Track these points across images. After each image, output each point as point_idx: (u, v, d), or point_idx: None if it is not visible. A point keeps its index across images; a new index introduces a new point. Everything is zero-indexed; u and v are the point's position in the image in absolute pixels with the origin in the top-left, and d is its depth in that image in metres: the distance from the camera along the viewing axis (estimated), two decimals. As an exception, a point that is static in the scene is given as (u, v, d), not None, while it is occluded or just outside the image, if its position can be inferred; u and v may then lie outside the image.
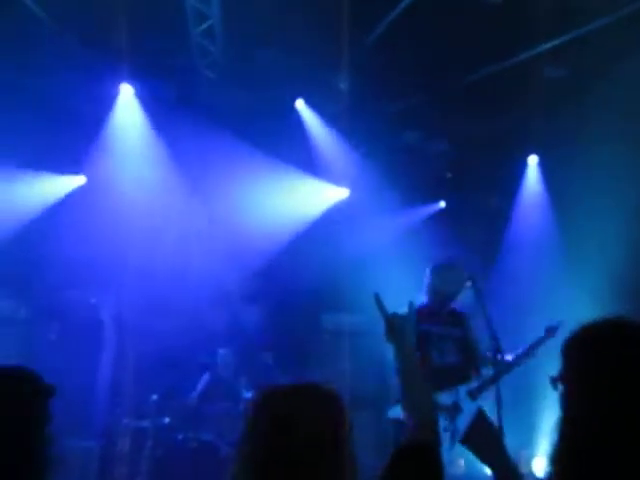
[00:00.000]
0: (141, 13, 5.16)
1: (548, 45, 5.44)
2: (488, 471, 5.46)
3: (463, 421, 4.14)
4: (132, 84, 6.21)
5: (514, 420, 4.15)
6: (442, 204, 7.26)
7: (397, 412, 4.32)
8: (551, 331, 4.27)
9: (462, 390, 4.19)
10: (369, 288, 6.95)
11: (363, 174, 6.88)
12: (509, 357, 4.19)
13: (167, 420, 5.55)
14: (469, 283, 4.22)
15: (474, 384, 4.20)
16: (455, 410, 4.15)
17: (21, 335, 6.39)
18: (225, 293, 7.01)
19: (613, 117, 5.66)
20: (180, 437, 5.38)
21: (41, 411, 1.61)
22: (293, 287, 6.83)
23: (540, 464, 5.91)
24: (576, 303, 5.21)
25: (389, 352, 2.03)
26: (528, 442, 5.82)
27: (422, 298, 4.44)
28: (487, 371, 4.20)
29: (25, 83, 5.69)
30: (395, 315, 1.95)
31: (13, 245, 6.08)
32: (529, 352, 4.26)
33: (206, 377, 5.91)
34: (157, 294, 6.59)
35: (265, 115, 6.31)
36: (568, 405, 1.28)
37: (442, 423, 4.15)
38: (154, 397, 5.61)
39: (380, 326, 2.02)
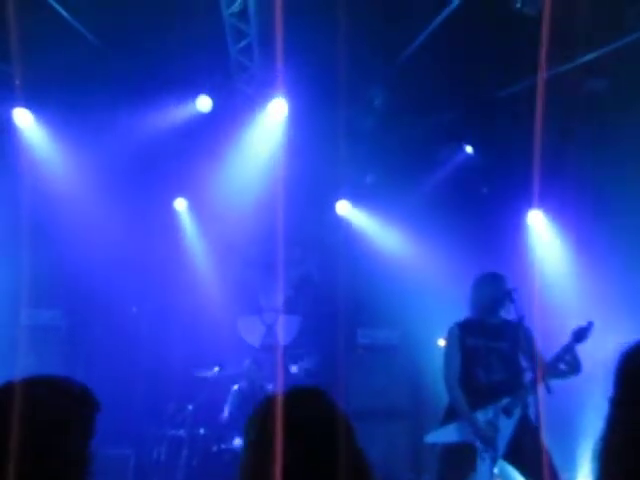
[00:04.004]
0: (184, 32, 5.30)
1: (586, 57, 5.37)
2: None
3: (502, 439, 4.07)
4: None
5: (554, 443, 4.04)
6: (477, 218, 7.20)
7: (437, 437, 4.28)
8: (579, 335, 4.08)
9: (496, 408, 4.12)
10: (404, 303, 6.93)
11: (396, 189, 6.88)
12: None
13: (202, 431, 5.59)
14: (507, 298, 4.15)
15: (506, 400, 4.12)
16: (492, 430, 4.08)
17: (62, 343, 6.54)
18: (259, 304, 7.05)
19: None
20: (215, 448, 5.41)
21: (87, 425, 1.63)
22: (329, 300, 6.84)
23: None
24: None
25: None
26: (569, 465, 5.68)
27: (468, 312, 4.39)
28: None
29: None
30: None
31: (55, 256, 6.24)
32: (557, 361, 4.09)
33: (236, 389, 5.93)
34: (193, 304, 6.68)
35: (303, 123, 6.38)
36: (620, 427, 1.24)
37: (480, 446, 4.09)
38: (190, 407, 5.67)
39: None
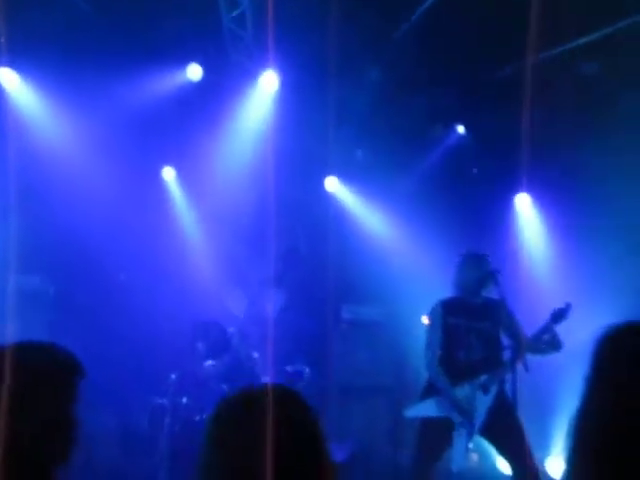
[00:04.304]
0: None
1: (581, 41, 5.37)
2: (501, 466, 5.51)
3: (478, 415, 4.16)
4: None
5: (530, 420, 4.14)
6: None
7: (416, 411, 4.38)
8: (558, 315, 4.18)
9: (474, 384, 4.20)
10: (390, 280, 6.96)
11: (386, 166, 6.88)
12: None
13: (185, 400, 5.64)
14: (491, 279, 4.22)
15: (484, 377, 4.20)
16: (469, 405, 4.17)
17: (48, 310, 6.53)
18: (245, 276, 7.07)
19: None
20: (197, 417, 5.46)
21: (71, 391, 1.66)
22: (315, 275, 6.87)
23: (554, 464, 5.90)
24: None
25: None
26: (542, 443, 5.82)
27: (452, 292, 4.46)
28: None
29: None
30: None
31: (43, 221, 6.19)
32: (536, 340, 4.18)
33: (225, 358, 5.96)
34: (180, 274, 6.69)
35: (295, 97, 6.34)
36: (593, 405, 1.27)
37: (457, 418, 4.18)
38: (173, 376, 5.70)
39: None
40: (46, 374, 1.61)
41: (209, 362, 5.89)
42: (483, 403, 4.19)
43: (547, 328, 4.19)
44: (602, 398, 1.25)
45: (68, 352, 1.68)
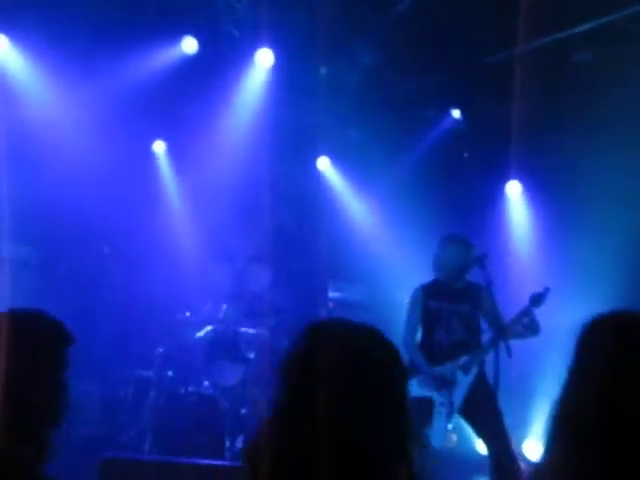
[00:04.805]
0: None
1: (575, 30, 5.37)
2: (479, 447, 5.62)
3: (458, 395, 4.24)
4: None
5: (507, 401, 4.22)
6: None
7: None
8: (536, 299, 4.24)
9: (454, 365, 4.27)
10: (377, 262, 6.98)
11: (377, 147, 6.88)
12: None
13: (170, 373, 5.67)
14: (478, 264, 4.27)
15: (464, 358, 4.27)
16: (451, 384, 4.25)
17: (32, 280, 6.50)
18: (231, 251, 7.07)
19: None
20: (182, 390, 5.51)
21: (60, 358, 1.68)
22: (302, 253, 6.89)
23: (532, 447, 6.01)
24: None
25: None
26: (520, 424, 5.91)
27: (434, 274, 4.50)
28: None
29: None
30: None
31: (29, 191, 6.14)
32: (515, 323, 4.25)
33: (209, 333, 5.99)
34: (167, 248, 6.68)
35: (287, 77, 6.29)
36: (575, 393, 1.29)
37: (438, 398, 4.26)
38: (160, 349, 5.73)
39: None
40: (40, 340, 1.65)
41: (198, 334, 5.94)
42: (463, 383, 4.26)
43: (526, 311, 4.26)
44: (584, 386, 1.26)
45: (57, 320, 1.71)
